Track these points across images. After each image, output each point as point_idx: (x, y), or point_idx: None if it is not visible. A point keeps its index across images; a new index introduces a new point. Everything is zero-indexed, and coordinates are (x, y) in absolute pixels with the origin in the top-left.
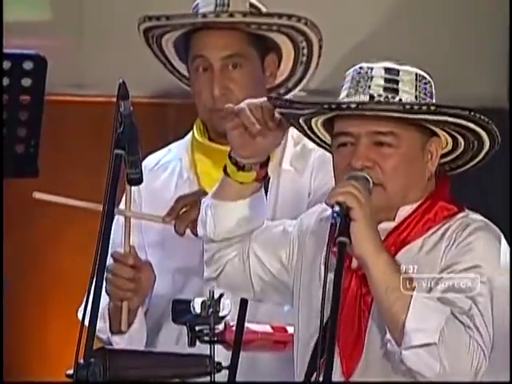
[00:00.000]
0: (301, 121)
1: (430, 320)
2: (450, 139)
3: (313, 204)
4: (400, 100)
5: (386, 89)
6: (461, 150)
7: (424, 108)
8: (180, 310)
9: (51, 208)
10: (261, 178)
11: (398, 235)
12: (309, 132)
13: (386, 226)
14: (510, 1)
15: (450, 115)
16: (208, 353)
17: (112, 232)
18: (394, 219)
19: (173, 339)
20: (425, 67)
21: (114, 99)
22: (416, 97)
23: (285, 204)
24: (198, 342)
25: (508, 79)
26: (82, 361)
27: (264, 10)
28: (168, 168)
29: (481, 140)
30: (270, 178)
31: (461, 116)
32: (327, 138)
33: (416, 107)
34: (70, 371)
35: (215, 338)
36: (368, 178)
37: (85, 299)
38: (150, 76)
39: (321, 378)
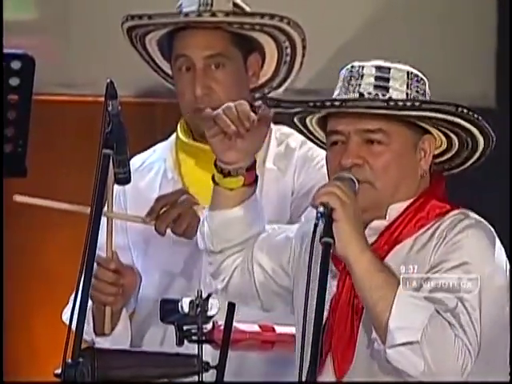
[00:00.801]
0: (295, 120)
1: (413, 318)
2: (444, 138)
3: (296, 203)
4: (390, 98)
5: (376, 87)
6: (455, 149)
7: (408, 104)
8: (168, 310)
9: (38, 209)
10: (250, 182)
11: (390, 234)
12: (305, 131)
13: (379, 225)
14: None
15: (435, 110)
16: (196, 352)
17: None
18: (385, 217)
19: (157, 340)
20: (412, 67)
21: (102, 99)
22: (407, 94)
23: (268, 203)
24: (185, 342)
25: (495, 79)
26: (69, 360)
27: (248, 9)
28: (153, 169)
29: (474, 138)
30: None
31: (446, 111)
32: (323, 137)
33: (400, 103)
34: (59, 371)
35: (203, 338)
36: (353, 179)
37: (72, 300)
38: (138, 75)
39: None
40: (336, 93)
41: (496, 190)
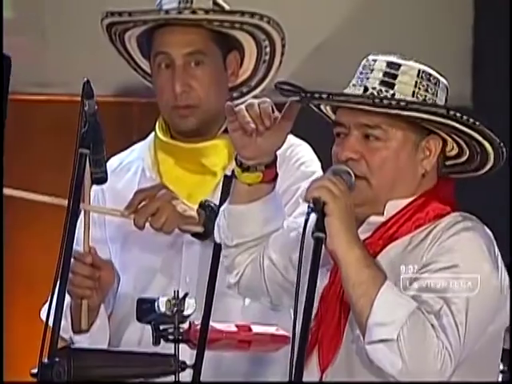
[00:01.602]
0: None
1: (392, 315)
2: (453, 142)
3: None
4: (393, 95)
5: (382, 82)
6: (467, 155)
7: (393, 103)
8: (145, 309)
9: (14, 206)
10: (269, 179)
11: (386, 230)
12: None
13: (376, 221)
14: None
15: (423, 112)
16: (172, 352)
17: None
18: (383, 213)
19: (135, 339)
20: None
21: (79, 98)
22: (414, 92)
23: None
24: (162, 341)
25: (471, 78)
26: (46, 360)
27: (227, 7)
28: (131, 168)
29: (480, 143)
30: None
31: (435, 113)
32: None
33: (386, 102)
34: (35, 370)
35: (180, 337)
36: (350, 171)
37: (49, 298)
38: (115, 75)
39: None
40: (350, 84)
41: (479, 189)
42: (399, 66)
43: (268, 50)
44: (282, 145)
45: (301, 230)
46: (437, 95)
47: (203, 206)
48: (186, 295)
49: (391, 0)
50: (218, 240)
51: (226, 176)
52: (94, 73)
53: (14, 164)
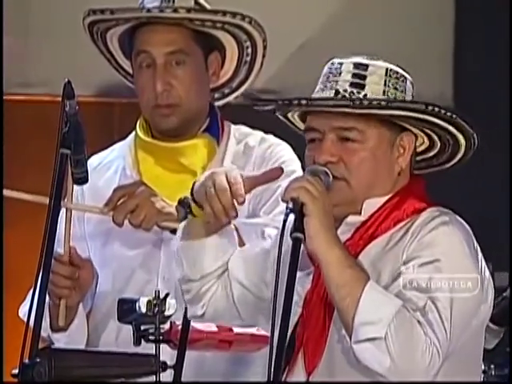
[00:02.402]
0: (278, 114)
1: (378, 314)
2: (424, 135)
3: (254, 199)
4: (365, 95)
5: (352, 84)
6: (438, 147)
7: (374, 103)
8: (125, 309)
9: None
10: None
11: (365, 230)
12: (289, 123)
13: (354, 220)
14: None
15: (403, 109)
16: (153, 352)
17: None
18: (360, 212)
19: (113, 337)
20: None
21: (60, 98)
22: (384, 91)
23: None
24: (143, 341)
25: (452, 78)
26: (27, 360)
27: (209, 7)
28: (111, 167)
29: (454, 137)
30: None
31: (416, 110)
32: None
33: (365, 102)
34: (16, 371)
35: (160, 338)
36: (327, 171)
37: (30, 297)
38: (96, 75)
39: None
40: (316, 88)
41: (459, 188)
42: (367, 66)
43: (249, 51)
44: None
45: (265, 245)
46: (405, 92)
47: (182, 202)
48: (167, 295)
49: (374, 2)
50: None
51: None
52: (76, 73)
53: None
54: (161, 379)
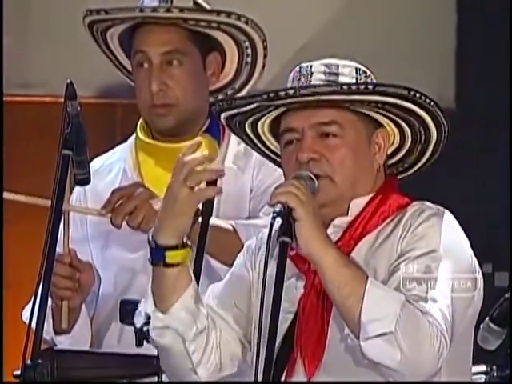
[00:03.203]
0: (247, 128)
1: (385, 310)
2: (396, 131)
3: (255, 200)
4: (337, 83)
5: (326, 82)
6: (409, 143)
7: (362, 87)
8: (128, 311)
9: None
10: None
11: (354, 230)
12: (256, 141)
13: (342, 222)
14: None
15: (387, 94)
16: (155, 353)
17: None
18: (347, 213)
19: (115, 339)
20: (371, 68)
21: (62, 99)
22: None
23: (228, 200)
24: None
25: (454, 79)
26: (29, 361)
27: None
28: (113, 170)
29: (427, 128)
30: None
31: (398, 95)
32: (275, 146)
33: (354, 87)
34: (18, 372)
35: None
36: (312, 176)
37: (32, 300)
38: (98, 76)
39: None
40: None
41: (460, 189)
42: (337, 65)
43: (249, 51)
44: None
45: (237, 271)
46: None
47: None
48: None
49: (375, 2)
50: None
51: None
52: (76, 73)
53: None
54: (163, 380)
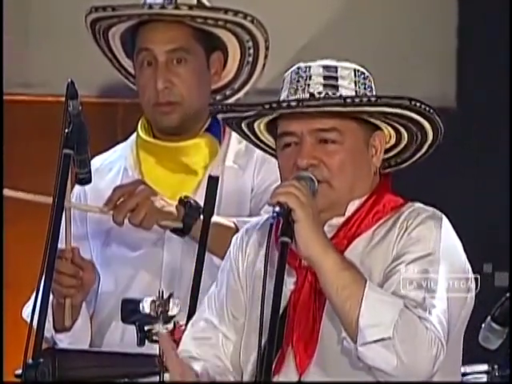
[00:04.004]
0: (243, 126)
1: (383, 315)
2: (393, 132)
3: (256, 199)
4: (340, 95)
5: (325, 86)
6: (404, 143)
7: (365, 100)
8: (129, 310)
9: None
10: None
11: (348, 229)
12: (252, 137)
13: (337, 222)
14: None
15: (391, 106)
16: (157, 352)
17: None
18: (344, 214)
19: (117, 338)
20: (372, 68)
21: (63, 98)
22: (356, 92)
23: (229, 199)
24: (147, 342)
25: (456, 78)
26: (30, 360)
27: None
28: (113, 168)
29: (424, 131)
30: (218, 177)
31: (402, 106)
32: (271, 142)
33: (357, 100)
34: (19, 371)
35: None
36: (313, 177)
37: (33, 298)
38: (99, 75)
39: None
40: (284, 94)
41: (460, 188)
42: (336, 68)
43: (251, 51)
44: None
45: (224, 281)
46: (372, 91)
47: (182, 202)
48: (170, 296)
49: (375, 2)
50: None
51: (210, 176)
52: (76, 73)
53: None
54: (164, 379)
